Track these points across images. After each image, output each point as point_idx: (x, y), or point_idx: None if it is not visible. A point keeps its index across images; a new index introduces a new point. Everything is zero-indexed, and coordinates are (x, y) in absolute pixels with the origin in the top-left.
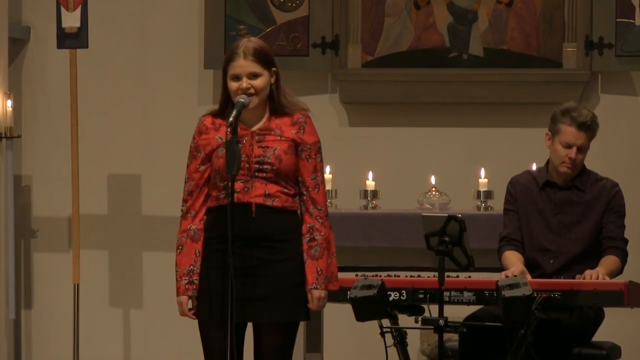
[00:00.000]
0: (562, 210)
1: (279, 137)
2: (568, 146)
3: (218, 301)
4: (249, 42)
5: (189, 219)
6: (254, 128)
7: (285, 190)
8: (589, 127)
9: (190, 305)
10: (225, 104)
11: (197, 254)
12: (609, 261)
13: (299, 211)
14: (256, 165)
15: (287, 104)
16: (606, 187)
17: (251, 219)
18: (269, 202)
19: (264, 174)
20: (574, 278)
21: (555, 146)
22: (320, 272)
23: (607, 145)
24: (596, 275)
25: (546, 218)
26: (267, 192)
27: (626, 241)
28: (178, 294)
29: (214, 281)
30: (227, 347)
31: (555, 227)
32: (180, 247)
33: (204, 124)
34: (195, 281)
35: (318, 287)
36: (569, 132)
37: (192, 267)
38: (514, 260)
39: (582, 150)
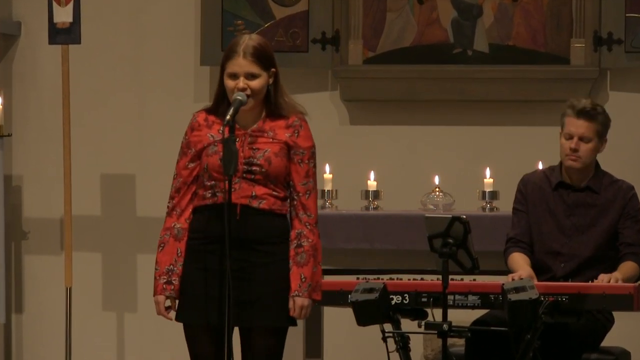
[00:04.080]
0: (575, 213)
1: (271, 139)
2: (570, 137)
3: (203, 305)
4: (250, 40)
5: (174, 216)
6: (247, 129)
7: (275, 193)
8: (587, 114)
9: (168, 304)
10: (220, 101)
11: (179, 254)
12: (627, 267)
13: (288, 215)
14: (245, 167)
15: (284, 106)
16: (622, 190)
17: (236, 221)
18: (255, 204)
19: (252, 176)
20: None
21: (561, 140)
22: (304, 280)
23: (616, 144)
24: (608, 279)
25: (558, 220)
26: (254, 194)
27: None
28: (155, 293)
29: (198, 284)
30: (214, 352)
31: (567, 229)
32: (162, 245)
33: (196, 120)
34: (173, 282)
35: (301, 294)
36: (569, 122)
37: (172, 266)
38: (521, 263)
39: (585, 140)
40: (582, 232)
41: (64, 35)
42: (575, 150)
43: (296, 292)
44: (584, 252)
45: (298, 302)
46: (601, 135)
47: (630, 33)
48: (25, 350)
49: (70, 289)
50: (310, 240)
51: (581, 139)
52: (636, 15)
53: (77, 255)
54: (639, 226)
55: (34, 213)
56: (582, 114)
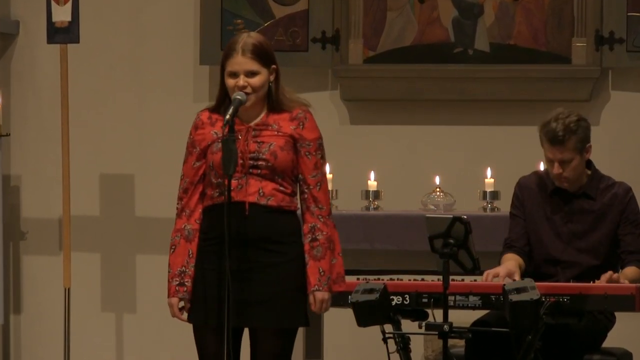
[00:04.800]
0: (573, 219)
1: (276, 132)
2: (551, 161)
3: (213, 305)
4: (249, 38)
5: (183, 217)
6: (251, 123)
7: (282, 188)
8: (561, 140)
9: (182, 305)
10: (222, 100)
11: (191, 255)
12: (629, 271)
13: (298, 211)
14: (250, 162)
15: (285, 102)
16: (618, 194)
17: (245, 219)
18: (263, 201)
19: (259, 171)
20: None
21: (546, 163)
22: (322, 273)
23: (618, 144)
24: (609, 276)
25: (556, 227)
26: (261, 191)
27: None
28: (169, 295)
29: (208, 285)
30: (222, 353)
31: (565, 236)
32: (173, 247)
33: (200, 119)
34: (186, 283)
35: (321, 288)
36: (545, 147)
37: (184, 268)
38: (507, 259)
39: (567, 162)
40: (580, 238)
41: (63, 35)
42: (560, 175)
43: (316, 286)
44: (584, 259)
45: (318, 296)
46: (582, 149)
47: (632, 32)
48: (23, 351)
49: (68, 289)
50: (324, 233)
51: (562, 162)
52: (638, 14)
53: (75, 255)
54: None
55: (33, 213)
56: (556, 141)
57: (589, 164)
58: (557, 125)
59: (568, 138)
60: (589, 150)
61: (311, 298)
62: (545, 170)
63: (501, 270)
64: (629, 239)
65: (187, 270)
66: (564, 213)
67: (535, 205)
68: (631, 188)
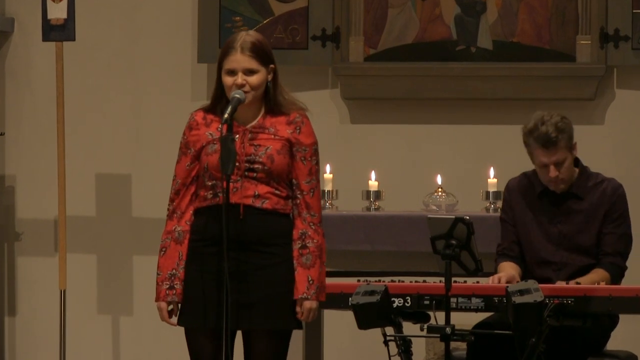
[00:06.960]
0: (561, 220)
1: (272, 136)
2: (545, 166)
3: (206, 308)
4: (247, 36)
5: (174, 219)
6: (248, 126)
7: (277, 192)
8: (554, 141)
9: (171, 308)
10: (218, 99)
11: (181, 258)
12: (597, 273)
13: (291, 215)
14: (246, 165)
15: (284, 103)
16: (606, 192)
17: (239, 221)
18: (258, 204)
19: (255, 174)
20: None
21: (536, 168)
22: (311, 282)
23: (623, 143)
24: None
25: (545, 228)
26: (257, 193)
27: (624, 254)
28: (157, 299)
29: (201, 287)
30: (215, 356)
31: (554, 237)
32: (163, 249)
33: (194, 119)
34: (176, 286)
35: (309, 297)
36: (537, 153)
37: (174, 271)
38: (506, 268)
39: (561, 163)
40: (569, 239)
41: (58, 32)
42: (556, 177)
43: (305, 294)
44: (577, 259)
45: (306, 305)
46: (571, 146)
47: (637, 29)
48: (18, 354)
49: (64, 291)
50: (315, 240)
51: (557, 164)
52: None
53: (71, 256)
54: (622, 230)
55: (28, 214)
56: (549, 143)
57: (576, 161)
58: (547, 128)
59: (560, 138)
60: (575, 147)
61: (298, 306)
62: (533, 170)
63: (502, 276)
64: (608, 239)
65: (177, 272)
66: (552, 215)
67: (524, 208)
68: (621, 185)
